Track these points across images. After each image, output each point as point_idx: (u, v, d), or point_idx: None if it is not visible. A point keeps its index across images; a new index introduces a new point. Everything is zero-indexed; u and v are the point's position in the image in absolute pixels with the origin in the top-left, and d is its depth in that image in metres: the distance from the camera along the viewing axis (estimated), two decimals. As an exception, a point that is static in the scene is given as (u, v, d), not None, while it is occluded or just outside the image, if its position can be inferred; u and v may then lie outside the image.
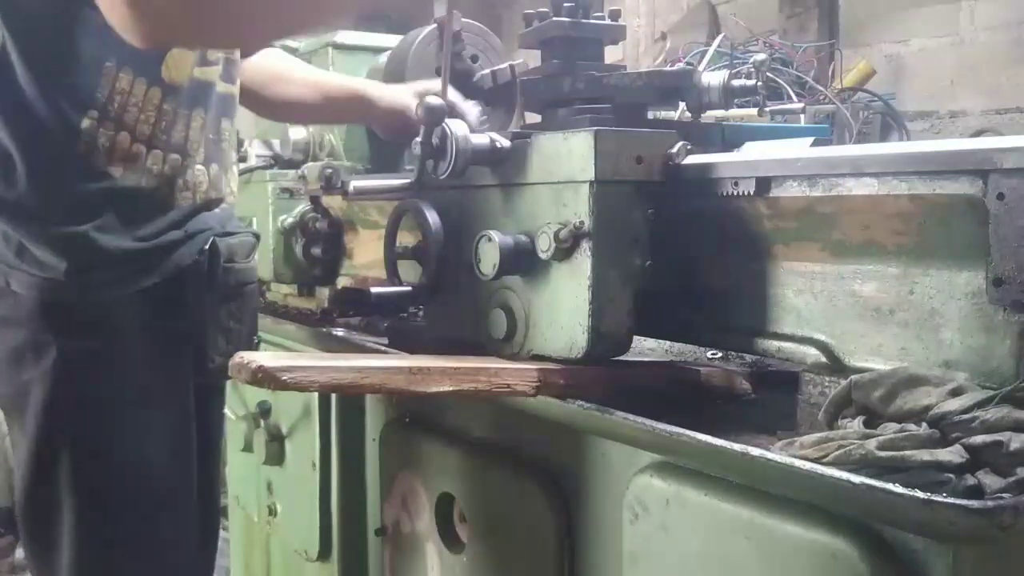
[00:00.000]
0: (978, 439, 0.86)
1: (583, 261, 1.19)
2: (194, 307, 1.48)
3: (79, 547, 1.41)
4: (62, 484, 1.40)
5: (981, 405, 0.90)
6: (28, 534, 1.47)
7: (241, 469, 2.40)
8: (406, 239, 1.47)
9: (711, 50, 2.94)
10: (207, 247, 1.49)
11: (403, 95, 1.77)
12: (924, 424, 0.90)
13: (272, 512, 2.22)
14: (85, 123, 1.37)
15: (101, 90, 1.37)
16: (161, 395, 1.47)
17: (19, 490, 1.45)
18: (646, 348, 1.51)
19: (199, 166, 1.49)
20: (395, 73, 2.04)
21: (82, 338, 1.39)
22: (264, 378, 1.09)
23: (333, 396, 1.93)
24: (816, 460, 0.89)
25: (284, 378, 1.09)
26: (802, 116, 2.70)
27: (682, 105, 1.62)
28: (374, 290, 1.42)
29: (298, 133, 2.28)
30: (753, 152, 1.58)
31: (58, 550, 1.42)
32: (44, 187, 1.38)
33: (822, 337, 1.14)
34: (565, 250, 1.18)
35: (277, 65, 1.90)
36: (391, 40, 2.08)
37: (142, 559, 1.47)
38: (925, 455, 0.85)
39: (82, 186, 1.38)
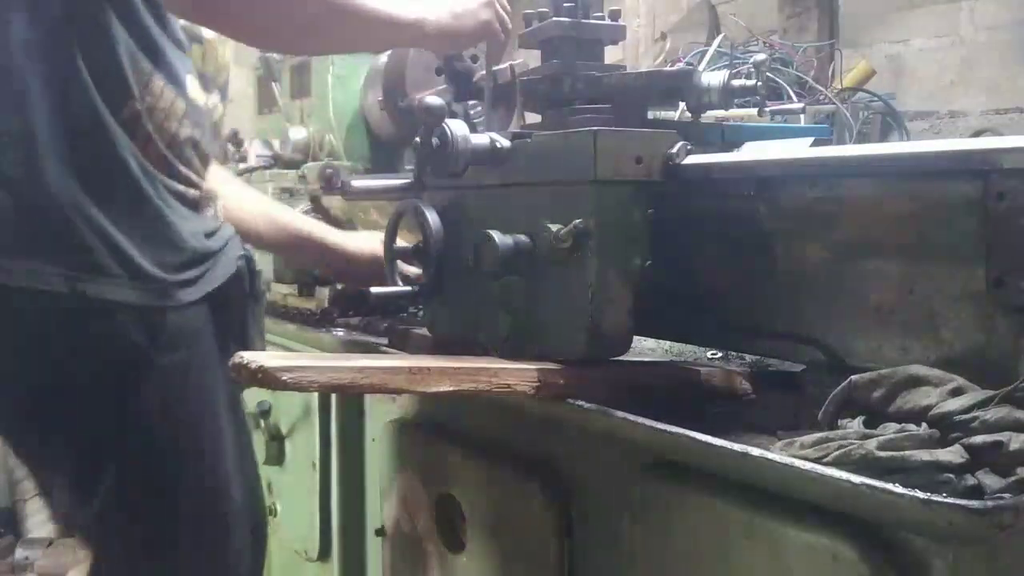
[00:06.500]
0: (978, 439, 0.86)
1: (583, 261, 1.19)
2: (239, 310, 1.48)
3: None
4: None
5: (981, 405, 0.90)
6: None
7: (241, 469, 2.40)
8: (406, 239, 1.47)
9: (711, 50, 2.93)
10: (243, 252, 1.49)
11: (370, 241, 1.78)
12: (924, 424, 0.90)
13: (272, 512, 2.22)
14: (125, 112, 1.33)
15: (136, 85, 1.34)
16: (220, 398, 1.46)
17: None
18: (646, 348, 1.51)
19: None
20: (395, 72, 2.04)
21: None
22: (264, 378, 1.09)
23: (333, 396, 1.93)
24: (816, 460, 0.89)
25: (284, 378, 1.09)
26: (802, 116, 2.69)
27: (682, 105, 1.62)
28: (374, 290, 1.42)
29: (298, 133, 2.29)
30: (753, 152, 1.58)
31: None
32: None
33: (822, 337, 1.14)
34: (565, 250, 1.18)
35: (227, 188, 1.86)
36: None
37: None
38: (925, 455, 0.85)
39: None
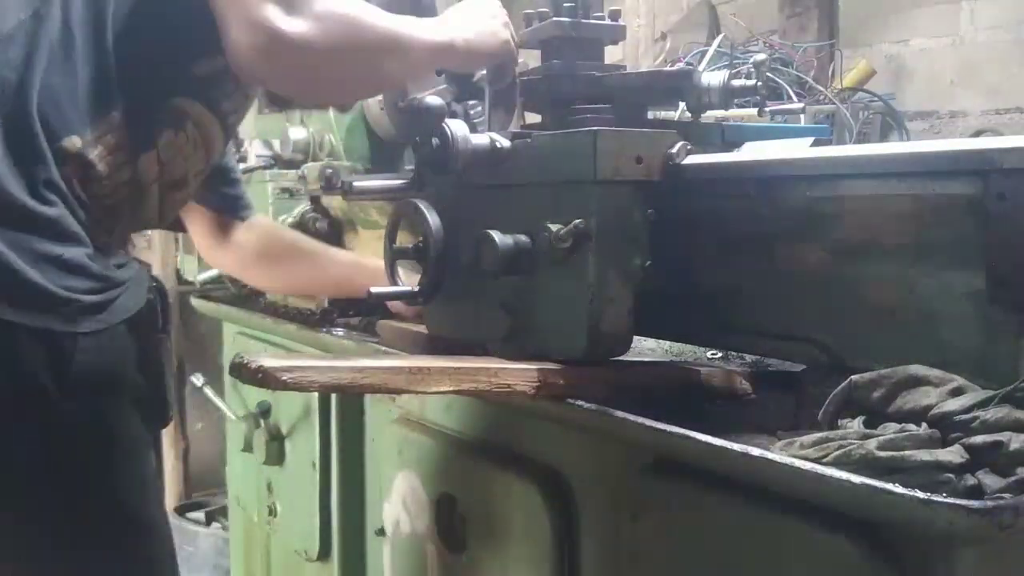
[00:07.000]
0: (978, 439, 0.87)
1: (583, 261, 1.18)
2: (153, 348, 1.43)
3: None
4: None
5: (981, 405, 0.90)
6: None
7: (241, 469, 2.40)
8: (406, 239, 1.47)
9: (711, 50, 2.92)
10: (153, 284, 1.44)
11: None
12: (924, 424, 0.90)
13: (272, 512, 2.22)
14: (66, 142, 1.27)
15: (95, 128, 1.29)
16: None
17: None
18: (646, 348, 1.51)
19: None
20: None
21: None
22: (264, 378, 1.09)
23: (333, 396, 1.93)
24: (816, 460, 0.89)
25: (284, 378, 1.09)
26: (802, 116, 2.69)
27: (682, 105, 1.62)
28: (374, 290, 1.42)
29: (298, 133, 2.29)
30: (753, 152, 1.58)
31: None
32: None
33: (822, 337, 1.14)
34: (565, 250, 1.18)
35: (288, 240, 1.91)
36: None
37: None
38: (925, 455, 0.85)
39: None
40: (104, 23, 1.29)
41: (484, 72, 1.59)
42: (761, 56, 1.55)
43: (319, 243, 1.98)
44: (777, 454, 0.93)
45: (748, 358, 1.41)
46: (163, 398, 1.46)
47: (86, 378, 1.27)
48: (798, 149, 1.71)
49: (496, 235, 1.24)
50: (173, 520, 3.13)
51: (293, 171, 2.23)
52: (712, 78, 1.44)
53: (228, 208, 1.85)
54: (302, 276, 1.90)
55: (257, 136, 2.43)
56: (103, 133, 1.31)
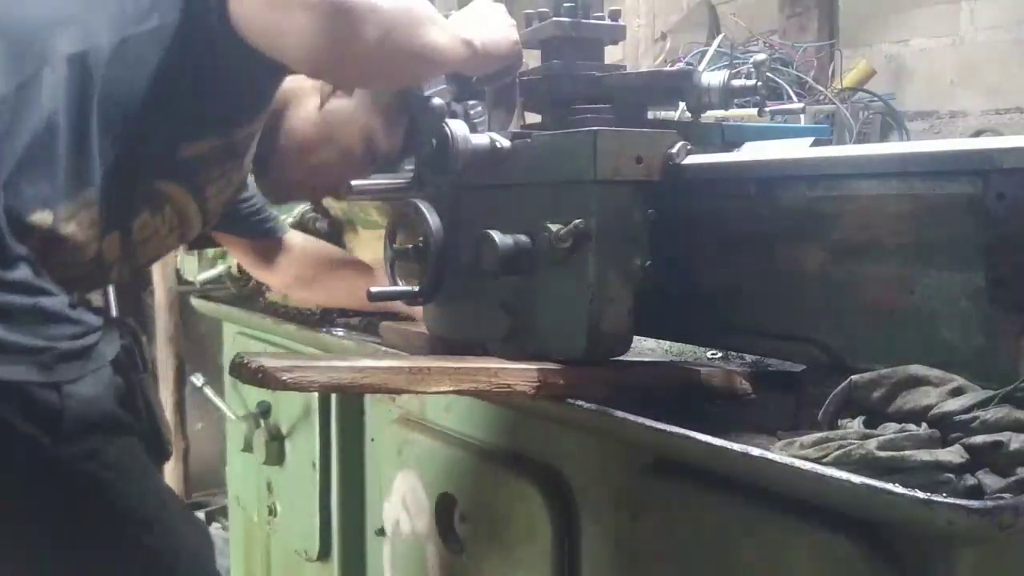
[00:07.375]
0: (978, 439, 0.87)
1: (583, 261, 1.18)
2: (139, 389, 1.40)
3: None
4: None
5: (981, 405, 0.90)
6: None
7: (241, 469, 2.41)
8: (406, 239, 1.47)
9: (711, 50, 2.92)
10: (126, 327, 1.42)
11: None
12: (924, 424, 0.90)
13: (272, 512, 2.22)
14: (36, 216, 1.23)
15: (70, 204, 1.26)
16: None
17: None
18: (646, 348, 1.51)
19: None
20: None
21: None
22: (264, 378, 1.09)
23: (333, 396, 1.93)
24: (816, 460, 0.89)
25: (284, 378, 1.09)
26: (802, 116, 2.69)
27: (682, 105, 1.62)
28: (374, 289, 1.42)
29: (298, 133, 2.28)
30: (753, 152, 1.58)
31: None
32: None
33: (822, 337, 1.14)
34: (565, 250, 1.18)
35: (321, 259, 1.96)
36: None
37: None
38: (925, 455, 0.85)
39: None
40: (90, 99, 1.26)
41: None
42: (761, 56, 1.55)
43: (350, 256, 2.02)
44: (777, 454, 0.93)
45: (748, 358, 1.41)
46: (160, 437, 1.43)
47: (77, 425, 1.23)
48: (798, 149, 1.71)
49: (496, 235, 1.24)
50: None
51: (293, 171, 2.23)
52: (712, 78, 1.44)
53: (259, 233, 1.91)
54: (340, 292, 1.93)
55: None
56: (79, 209, 1.27)
